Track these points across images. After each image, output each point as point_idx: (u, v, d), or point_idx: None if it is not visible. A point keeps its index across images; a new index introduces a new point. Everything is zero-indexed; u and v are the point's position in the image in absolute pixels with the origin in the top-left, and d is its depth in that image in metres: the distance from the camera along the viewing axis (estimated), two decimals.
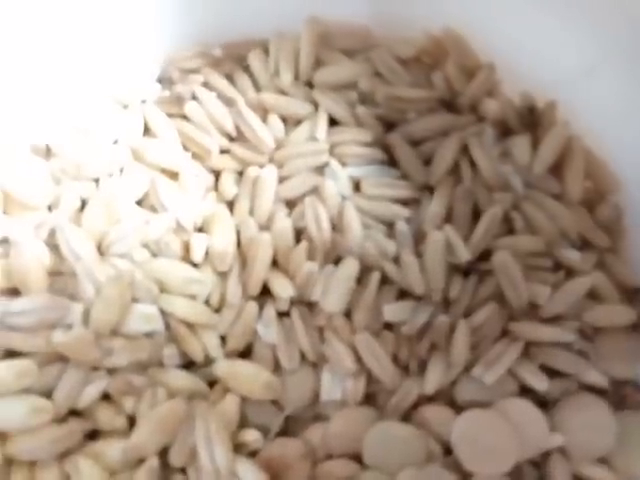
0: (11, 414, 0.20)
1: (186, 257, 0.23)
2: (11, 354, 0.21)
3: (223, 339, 0.23)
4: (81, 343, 0.20)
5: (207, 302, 0.23)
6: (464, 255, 0.22)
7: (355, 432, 0.21)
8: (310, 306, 0.23)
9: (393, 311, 0.22)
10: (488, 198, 0.23)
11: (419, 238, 0.23)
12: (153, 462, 0.20)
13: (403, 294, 0.23)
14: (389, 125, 0.24)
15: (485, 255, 0.23)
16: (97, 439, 0.21)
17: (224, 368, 0.22)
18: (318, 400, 0.23)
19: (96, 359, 0.20)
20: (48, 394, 0.21)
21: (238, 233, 0.23)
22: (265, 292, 0.23)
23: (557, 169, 0.23)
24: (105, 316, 0.21)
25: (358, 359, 0.22)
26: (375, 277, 0.22)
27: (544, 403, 0.22)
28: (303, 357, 0.23)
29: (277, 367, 0.23)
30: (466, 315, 0.22)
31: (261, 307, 0.23)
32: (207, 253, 0.23)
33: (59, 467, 0.20)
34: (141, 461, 0.21)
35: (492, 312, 0.22)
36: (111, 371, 0.21)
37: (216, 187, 0.24)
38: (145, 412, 0.21)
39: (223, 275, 0.23)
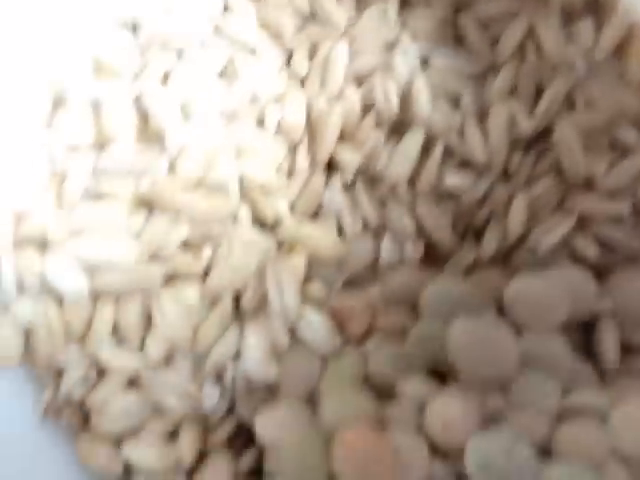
0: (100, 249, 0.21)
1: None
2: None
3: (292, 207, 0.24)
4: (167, 191, 0.22)
5: (278, 170, 0.24)
6: (526, 127, 0.22)
7: (413, 287, 0.23)
8: (374, 178, 0.24)
9: (455, 179, 0.23)
10: (552, 77, 0.23)
11: (483, 112, 0.23)
12: (227, 303, 0.22)
13: (465, 165, 0.23)
14: (459, 5, 0.25)
15: (546, 133, 0.23)
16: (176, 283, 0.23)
17: (292, 227, 0.23)
18: (378, 263, 0.24)
19: (180, 207, 0.22)
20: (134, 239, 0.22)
21: (309, 107, 0.24)
22: (332, 166, 0.24)
23: (620, 53, 0.24)
24: (188, 167, 0.22)
25: (418, 225, 0.23)
26: (439, 147, 0.23)
27: (596, 274, 0.23)
28: (366, 226, 0.24)
29: (341, 233, 0.24)
30: (525, 187, 0.23)
31: (328, 178, 0.24)
32: (279, 126, 0.24)
33: (142, 302, 0.22)
34: (216, 303, 0.23)
35: (550, 185, 0.23)
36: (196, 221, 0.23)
37: (289, 64, 0.25)
38: (221, 259, 0.22)
39: (293, 147, 0.24)
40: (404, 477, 0.20)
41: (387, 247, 0.24)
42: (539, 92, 0.23)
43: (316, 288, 0.23)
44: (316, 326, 0.22)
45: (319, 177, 0.24)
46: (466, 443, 0.20)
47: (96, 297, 0.22)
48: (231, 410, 0.23)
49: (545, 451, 0.21)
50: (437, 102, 0.23)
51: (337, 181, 0.24)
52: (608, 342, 0.22)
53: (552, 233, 0.22)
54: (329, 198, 0.24)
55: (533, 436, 0.20)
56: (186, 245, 0.23)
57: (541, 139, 0.23)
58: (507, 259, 0.23)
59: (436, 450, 0.21)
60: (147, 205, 0.23)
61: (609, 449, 0.20)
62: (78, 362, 0.22)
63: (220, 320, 0.22)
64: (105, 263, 0.22)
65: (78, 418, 0.23)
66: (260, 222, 0.24)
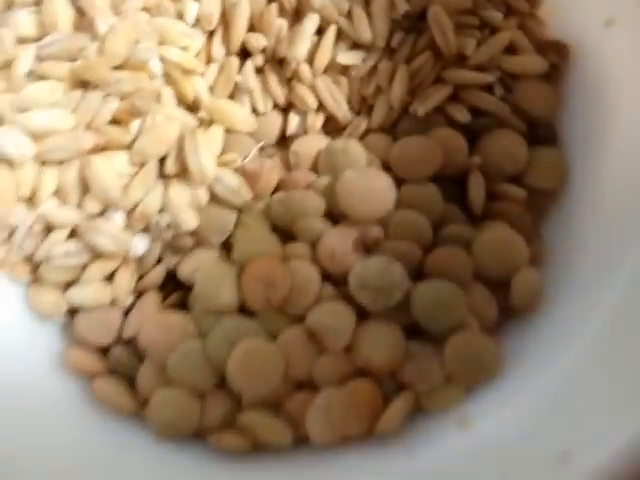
0: (42, 120, 0.25)
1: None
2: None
3: (210, 91, 0.27)
4: (97, 67, 0.25)
5: (197, 57, 0.27)
6: (404, 7, 0.26)
7: (314, 151, 0.26)
8: (281, 64, 0.27)
9: (346, 57, 0.26)
10: None
11: None
12: (152, 166, 0.25)
13: (355, 45, 0.27)
14: None
15: (423, 14, 0.26)
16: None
17: (209, 103, 0.27)
18: (285, 136, 0.28)
19: (108, 83, 0.25)
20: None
21: (223, 2, 0.27)
22: (244, 54, 0.28)
23: None
24: (114, 48, 0.25)
25: (319, 100, 0.27)
26: (332, 30, 0.26)
27: (469, 136, 0.27)
28: (275, 105, 0.28)
29: (253, 112, 0.27)
30: (406, 63, 0.27)
31: (242, 63, 0.27)
32: (197, 19, 0.28)
33: (79, 167, 0.25)
34: (142, 167, 0.26)
35: (427, 60, 0.26)
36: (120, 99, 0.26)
37: None
38: (146, 130, 0.26)
39: (210, 37, 0.27)
40: (300, 297, 0.24)
41: (293, 122, 0.27)
42: None
43: (231, 157, 0.27)
44: (230, 184, 0.26)
45: (233, 62, 0.27)
46: (349, 269, 0.24)
47: (41, 163, 0.25)
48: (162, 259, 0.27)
49: (418, 275, 0.25)
50: None
51: (249, 65, 0.27)
52: (476, 191, 0.26)
53: (429, 100, 0.26)
54: (243, 81, 0.27)
55: (407, 261, 0.24)
56: (116, 120, 0.26)
57: (420, 20, 0.27)
58: (394, 127, 0.27)
59: (326, 276, 0.25)
60: (82, 84, 0.26)
61: (472, 271, 0.25)
62: (26, 220, 0.26)
63: (146, 180, 0.25)
64: (47, 132, 0.25)
65: (29, 271, 0.26)
66: (182, 103, 0.27)
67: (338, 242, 0.24)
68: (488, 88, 0.27)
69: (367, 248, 0.24)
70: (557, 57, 0.27)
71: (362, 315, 0.24)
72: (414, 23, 0.27)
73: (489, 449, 0.21)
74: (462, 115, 0.26)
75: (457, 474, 0.20)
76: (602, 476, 0.17)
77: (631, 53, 0.25)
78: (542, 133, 0.27)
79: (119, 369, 0.25)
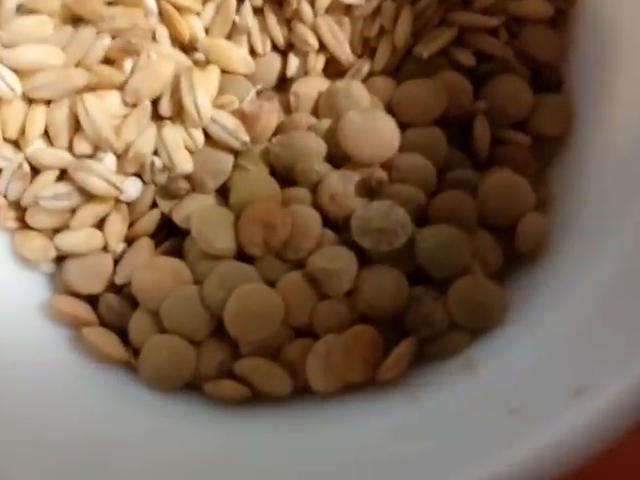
0: (31, 55, 0.23)
1: None
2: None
3: (207, 31, 0.26)
4: (90, 1, 0.23)
5: None
6: None
7: (315, 93, 0.25)
8: (280, 4, 0.26)
9: None
10: None
11: None
12: (146, 106, 0.24)
13: None
14: None
15: None
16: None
17: (206, 42, 0.25)
18: (285, 78, 0.26)
19: (102, 18, 0.23)
20: None
21: None
22: None
23: None
24: None
25: (320, 41, 0.25)
26: None
27: (474, 80, 0.25)
28: (274, 46, 0.26)
29: (252, 53, 0.26)
30: (411, 4, 0.25)
31: (240, 3, 0.26)
32: None
33: (69, 106, 0.23)
34: (135, 107, 0.24)
35: (432, 0, 0.25)
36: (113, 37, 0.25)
37: None
38: (140, 69, 0.24)
39: None
40: (300, 242, 0.23)
41: (293, 64, 0.26)
42: None
43: (228, 99, 0.25)
44: (227, 125, 0.24)
45: (231, 1, 0.25)
46: (351, 213, 0.23)
47: (29, 101, 0.24)
48: (156, 204, 0.25)
49: (421, 220, 0.24)
50: None
51: (248, 5, 0.26)
52: (481, 136, 0.25)
53: (434, 42, 0.25)
54: (241, 21, 0.26)
55: (411, 206, 0.23)
56: (109, 59, 0.25)
57: None
58: (397, 70, 0.26)
59: (327, 221, 0.24)
60: (74, 20, 0.24)
61: (478, 216, 0.24)
62: (13, 161, 0.24)
63: (139, 121, 0.24)
64: (36, 68, 0.23)
65: (15, 217, 0.25)
66: (178, 43, 0.26)
67: (340, 185, 0.23)
68: (493, 32, 0.26)
69: (370, 192, 0.23)
70: (563, 2, 0.26)
71: (364, 260, 0.23)
72: None
73: (495, 391, 0.20)
74: (467, 59, 0.25)
75: (463, 417, 0.19)
76: (618, 409, 0.16)
77: None
78: (547, 78, 0.26)
79: (110, 317, 0.24)
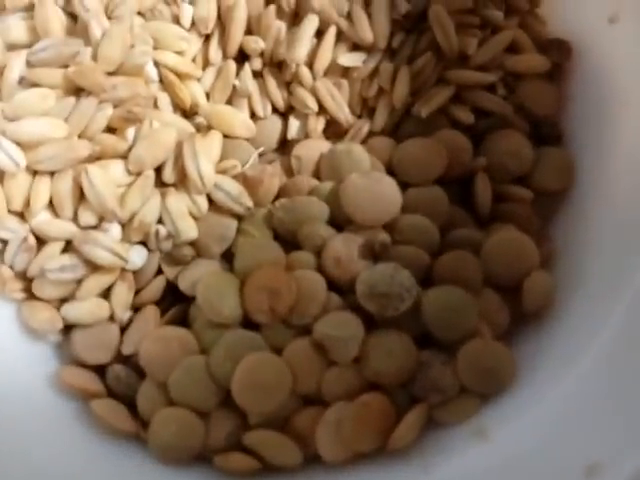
0: (34, 129, 0.23)
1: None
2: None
3: (208, 96, 0.26)
4: (91, 72, 0.23)
5: (194, 62, 0.26)
6: (404, 7, 0.24)
7: (316, 156, 0.25)
8: (280, 64, 0.26)
9: (347, 58, 0.25)
10: None
11: None
12: (149, 175, 0.24)
13: (355, 48, 0.25)
14: None
15: (425, 14, 0.25)
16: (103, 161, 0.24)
17: (207, 108, 0.25)
18: (286, 140, 0.26)
19: (103, 89, 0.23)
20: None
21: (219, 4, 0.26)
22: (242, 58, 0.26)
23: None
24: (109, 52, 0.23)
25: (319, 103, 0.25)
26: (332, 31, 0.25)
27: (473, 137, 0.25)
28: (274, 109, 0.26)
29: (252, 116, 0.26)
30: (408, 64, 0.25)
31: (239, 67, 0.26)
32: (193, 23, 0.26)
33: (73, 177, 0.23)
34: (139, 175, 0.24)
35: (429, 60, 0.25)
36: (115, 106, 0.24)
37: None
38: (142, 137, 0.24)
39: (206, 41, 0.26)
40: (306, 307, 0.23)
41: (293, 126, 0.26)
42: None
43: (231, 163, 0.25)
44: (230, 191, 0.24)
45: (231, 66, 0.25)
46: (356, 276, 0.23)
47: (34, 173, 0.24)
48: (161, 271, 0.25)
49: (426, 281, 0.23)
50: None
51: (247, 69, 0.25)
52: (483, 193, 0.24)
53: (432, 101, 0.25)
54: (241, 85, 0.26)
55: (415, 267, 0.23)
56: (111, 128, 0.24)
57: (421, 20, 0.25)
58: (396, 130, 0.26)
59: (332, 285, 0.23)
60: (76, 91, 0.24)
61: (483, 276, 0.23)
62: (19, 233, 0.24)
63: (143, 189, 0.23)
64: (39, 141, 0.23)
65: (21, 288, 0.24)
66: (179, 109, 0.25)
67: (344, 248, 0.23)
68: (491, 88, 0.26)
69: (374, 254, 0.23)
70: (559, 55, 0.26)
71: (371, 324, 0.22)
72: (415, 23, 0.25)
73: (507, 461, 0.19)
74: (465, 116, 0.25)
75: None
76: None
77: (634, 49, 0.24)
78: (546, 132, 0.26)
79: (118, 388, 0.23)
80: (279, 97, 0.26)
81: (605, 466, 0.16)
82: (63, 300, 0.24)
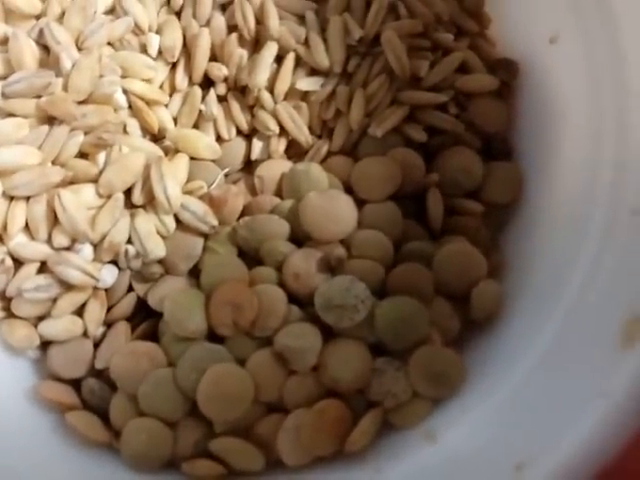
0: (10, 157, 0.24)
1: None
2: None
3: (175, 121, 0.27)
4: (62, 102, 0.24)
5: (161, 88, 0.27)
6: (357, 33, 0.25)
7: (277, 175, 0.26)
8: (243, 92, 0.27)
9: (305, 83, 0.26)
10: None
11: (324, 25, 0.26)
12: (119, 197, 0.24)
13: (313, 72, 0.26)
14: None
15: (378, 41, 0.26)
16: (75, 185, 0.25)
17: (174, 132, 0.26)
18: (250, 161, 0.27)
19: (74, 117, 0.24)
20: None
21: (184, 33, 0.27)
22: (207, 83, 0.27)
23: None
24: (79, 83, 0.24)
25: (280, 125, 0.26)
26: (290, 57, 0.26)
27: (426, 155, 0.26)
28: (239, 131, 0.27)
29: (218, 139, 0.27)
30: (363, 87, 0.26)
31: (205, 92, 0.26)
32: (160, 52, 0.27)
33: (47, 201, 0.24)
34: (109, 198, 0.25)
35: (383, 82, 0.26)
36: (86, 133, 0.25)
37: (168, 2, 0.27)
38: (112, 162, 0.25)
39: (173, 68, 0.27)
40: (267, 320, 0.23)
41: (256, 147, 0.26)
42: (369, 6, 0.26)
43: (197, 184, 0.26)
44: (196, 211, 0.25)
45: (197, 92, 0.26)
46: (315, 290, 0.23)
47: (10, 199, 0.24)
48: (132, 289, 0.26)
49: (381, 293, 0.24)
50: (286, 20, 0.26)
51: (212, 94, 0.26)
52: (434, 207, 0.25)
53: (387, 121, 0.25)
54: (206, 110, 0.26)
55: (370, 279, 0.23)
56: (83, 153, 0.25)
57: (374, 45, 0.26)
58: (354, 149, 0.26)
59: (292, 298, 0.24)
60: (48, 120, 0.25)
61: (434, 286, 0.24)
62: None
63: (113, 212, 0.24)
64: (15, 168, 0.24)
65: (1, 308, 0.25)
66: (149, 134, 0.26)
67: (303, 264, 0.23)
68: (443, 107, 0.26)
69: (331, 268, 0.24)
70: (507, 74, 0.27)
71: (328, 334, 0.23)
72: (369, 48, 0.26)
73: (453, 462, 0.20)
74: (419, 134, 0.26)
75: None
76: None
77: (574, 66, 0.25)
78: (497, 148, 0.27)
79: (92, 401, 0.24)
80: (243, 120, 0.26)
81: (529, 464, 0.17)
82: (40, 318, 0.25)
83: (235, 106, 0.26)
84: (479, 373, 0.22)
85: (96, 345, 0.25)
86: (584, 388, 0.19)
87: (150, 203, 0.25)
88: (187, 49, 0.27)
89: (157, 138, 0.27)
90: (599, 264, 0.21)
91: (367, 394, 0.22)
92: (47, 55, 0.26)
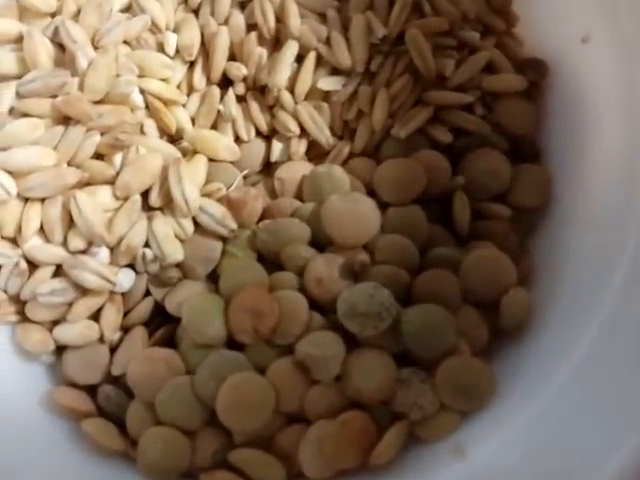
0: (24, 158, 0.23)
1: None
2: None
3: (193, 121, 0.26)
4: (78, 102, 0.23)
5: (179, 88, 0.26)
6: (381, 31, 0.24)
7: (298, 178, 0.25)
8: (262, 92, 0.26)
9: (327, 82, 0.25)
10: None
11: (346, 23, 0.25)
12: (136, 199, 0.24)
13: (335, 72, 0.25)
14: None
15: (402, 38, 0.25)
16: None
17: (192, 133, 0.25)
18: (269, 163, 0.26)
19: (90, 118, 0.23)
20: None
21: (202, 31, 0.26)
22: (226, 83, 0.26)
23: None
24: (95, 82, 0.24)
25: (301, 126, 0.25)
26: (311, 56, 0.25)
27: (451, 157, 0.25)
28: (258, 132, 0.26)
29: (236, 140, 0.26)
30: (386, 87, 0.25)
31: (223, 92, 0.26)
32: (178, 51, 0.26)
33: (62, 203, 0.23)
34: (126, 200, 0.24)
35: (407, 82, 0.25)
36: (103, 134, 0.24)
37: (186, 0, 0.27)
38: (129, 163, 0.24)
39: (191, 67, 0.26)
40: (288, 327, 0.22)
41: (276, 149, 0.26)
42: (392, 4, 0.25)
43: (215, 186, 0.25)
44: (215, 214, 0.24)
45: (215, 92, 0.25)
46: (337, 296, 0.22)
47: (25, 200, 0.24)
48: (149, 293, 0.25)
49: (406, 300, 0.23)
50: (307, 18, 0.25)
51: (231, 94, 0.25)
52: (461, 211, 0.24)
53: (411, 122, 0.25)
54: (225, 109, 0.26)
55: (394, 286, 0.23)
56: (99, 154, 0.24)
57: (398, 44, 0.25)
58: (376, 151, 0.25)
59: (314, 304, 0.23)
60: (64, 120, 0.24)
61: (462, 293, 0.23)
62: (11, 258, 0.24)
63: (130, 214, 0.24)
64: (30, 169, 0.23)
65: (14, 311, 0.24)
66: (165, 134, 0.25)
67: (325, 269, 0.22)
68: (469, 108, 0.26)
69: (354, 274, 0.23)
70: (535, 74, 0.26)
71: (352, 343, 0.22)
72: (392, 46, 0.25)
73: (483, 478, 0.19)
74: (444, 136, 0.25)
75: None
76: None
77: (606, 67, 0.24)
78: (525, 150, 0.26)
79: (108, 407, 0.23)
80: (262, 121, 0.26)
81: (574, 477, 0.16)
82: (55, 322, 0.24)
83: (254, 106, 0.26)
84: (509, 385, 0.21)
85: (112, 351, 0.24)
86: (622, 405, 0.18)
87: (168, 205, 0.24)
88: (205, 48, 0.26)
89: (174, 139, 0.26)
90: (637, 271, 0.20)
91: (392, 405, 0.21)
92: (62, 54, 0.25)
